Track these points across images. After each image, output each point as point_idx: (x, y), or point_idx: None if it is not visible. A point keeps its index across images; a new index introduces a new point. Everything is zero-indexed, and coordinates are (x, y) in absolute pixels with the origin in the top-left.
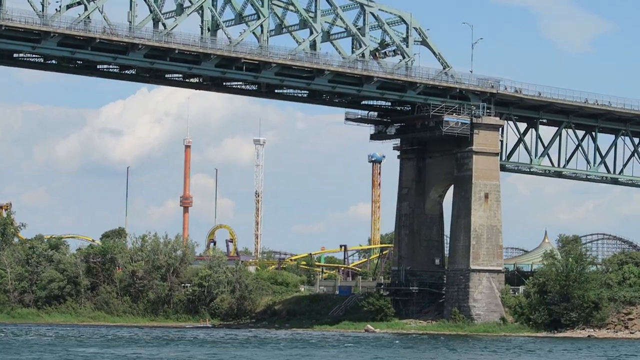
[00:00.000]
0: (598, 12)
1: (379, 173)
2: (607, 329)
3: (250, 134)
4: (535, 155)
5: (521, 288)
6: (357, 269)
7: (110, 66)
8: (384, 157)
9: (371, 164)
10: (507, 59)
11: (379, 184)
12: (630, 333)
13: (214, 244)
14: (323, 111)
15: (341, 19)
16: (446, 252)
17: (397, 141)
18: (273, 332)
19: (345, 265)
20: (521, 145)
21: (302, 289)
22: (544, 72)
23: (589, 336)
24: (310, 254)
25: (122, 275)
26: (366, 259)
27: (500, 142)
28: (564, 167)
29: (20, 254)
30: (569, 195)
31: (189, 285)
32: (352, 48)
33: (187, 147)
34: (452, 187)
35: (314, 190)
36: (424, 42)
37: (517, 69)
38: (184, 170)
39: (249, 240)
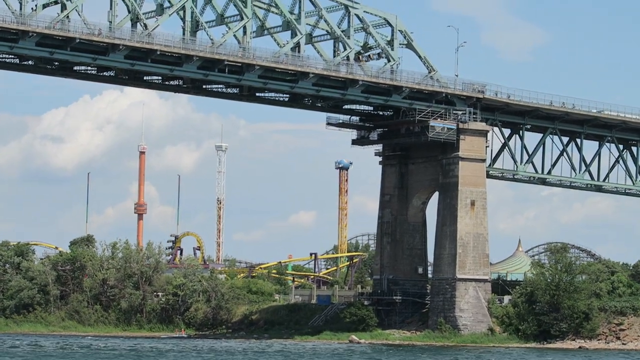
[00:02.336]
0: (537, 23)
1: (346, 180)
2: (598, 340)
3: (193, 142)
4: (521, 162)
5: (506, 298)
6: (329, 277)
7: (89, 68)
8: (351, 163)
9: (338, 170)
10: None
11: (346, 191)
12: (623, 344)
13: (181, 252)
14: (266, 119)
15: (325, 20)
16: (429, 260)
17: (379, 147)
18: (267, 343)
19: (316, 274)
20: (505, 152)
21: (277, 298)
22: (487, 79)
23: (580, 347)
24: (280, 262)
25: (92, 283)
26: (335, 268)
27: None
28: (548, 173)
29: None
30: (511, 204)
31: (161, 294)
32: (334, 51)
33: (142, 153)
34: (435, 194)
35: (257, 198)
36: (409, 45)
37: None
38: (139, 176)
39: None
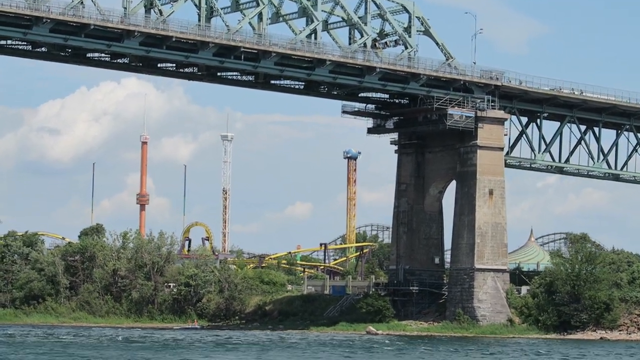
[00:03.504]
0: (533, 15)
1: (355, 169)
2: (620, 330)
3: (189, 133)
4: (539, 150)
5: (523, 288)
6: (340, 267)
7: (102, 55)
8: (359, 153)
9: (346, 160)
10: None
11: (355, 181)
12: None
13: (189, 242)
14: (262, 111)
15: (342, 7)
16: (446, 250)
17: (394, 135)
18: (292, 333)
19: (326, 264)
20: (522, 140)
21: (290, 289)
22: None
23: (601, 338)
24: (290, 252)
25: (102, 274)
26: (345, 258)
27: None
28: (565, 162)
29: None
30: (507, 195)
31: (172, 284)
32: (349, 38)
33: (144, 143)
34: (452, 183)
35: (253, 189)
36: (426, 32)
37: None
38: (141, 167)
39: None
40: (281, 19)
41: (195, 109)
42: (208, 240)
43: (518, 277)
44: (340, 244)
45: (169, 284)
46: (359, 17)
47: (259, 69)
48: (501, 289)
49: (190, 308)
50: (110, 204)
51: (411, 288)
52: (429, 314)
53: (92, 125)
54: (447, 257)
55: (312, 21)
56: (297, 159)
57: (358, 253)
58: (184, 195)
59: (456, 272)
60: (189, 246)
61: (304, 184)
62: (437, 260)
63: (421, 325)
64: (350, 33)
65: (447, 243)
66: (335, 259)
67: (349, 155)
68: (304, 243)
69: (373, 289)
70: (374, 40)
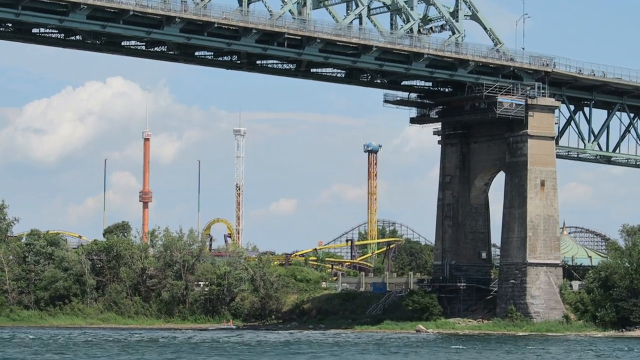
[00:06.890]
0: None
1: (375, 163)
2: None
3: (174, 133)
4: (589, 139)
5: (575, 283)
6: (368, 263)
7: (138, 43)
8: (380, 146)
9: (367, 153)
10: None
11: (376, 175)
12: None
13: (211, 239)
14: (245, 109)
15: None
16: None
17: (437, 125)
18: (340, 333)
19: (352, 260)
20: (569, 129)
21: (327, 286)
22: None
23: None
24: (316, 249)
25: (130, 273)
26: (369, 254)
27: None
28: (614, 151)
29: (17, 251)
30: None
31: (202, 283)
32: (391, 24)
33: (146, 140)
34: (499, 174)
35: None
36: (473, 17)
37: None
38: (143, 164)
39: None
40: (322, 4)
41: (181, 108)
42: (230, 237)
43: (567, 271)
44: (359, 240)
45: (199, 283)
46: (405, 2)
47: (303, 56)
48: (554, 284)
49: (223, 307)
50: (94, 202)
51: (458, 284)
52: (477, 311)
53: (77, 125)
54: (493, 251)
55: (356, 6)
56: (281, 156)
57: (384, 249)
58: (199, 193)
59: (507, 267)
60: (211, 244)
61: (289, 181)
62: (483, 255)
63: (470, 323)
64: (392, 19)
65: (494, 237)
66: (362, 255)
67: (369, 149)
68: (300, 240)
69: (417, 286)
70: (419, 25)
